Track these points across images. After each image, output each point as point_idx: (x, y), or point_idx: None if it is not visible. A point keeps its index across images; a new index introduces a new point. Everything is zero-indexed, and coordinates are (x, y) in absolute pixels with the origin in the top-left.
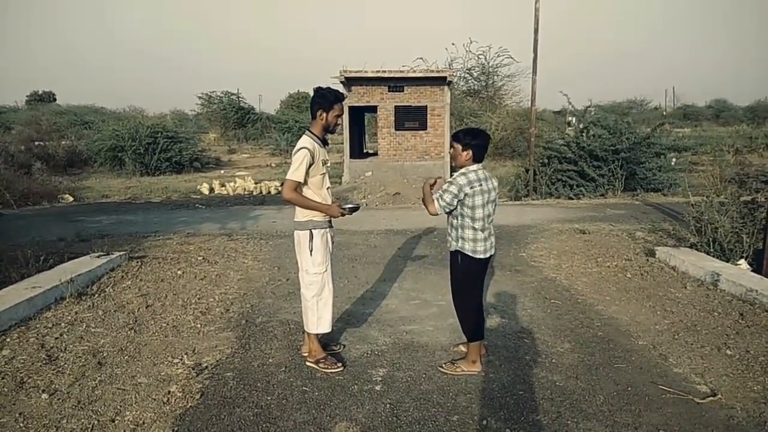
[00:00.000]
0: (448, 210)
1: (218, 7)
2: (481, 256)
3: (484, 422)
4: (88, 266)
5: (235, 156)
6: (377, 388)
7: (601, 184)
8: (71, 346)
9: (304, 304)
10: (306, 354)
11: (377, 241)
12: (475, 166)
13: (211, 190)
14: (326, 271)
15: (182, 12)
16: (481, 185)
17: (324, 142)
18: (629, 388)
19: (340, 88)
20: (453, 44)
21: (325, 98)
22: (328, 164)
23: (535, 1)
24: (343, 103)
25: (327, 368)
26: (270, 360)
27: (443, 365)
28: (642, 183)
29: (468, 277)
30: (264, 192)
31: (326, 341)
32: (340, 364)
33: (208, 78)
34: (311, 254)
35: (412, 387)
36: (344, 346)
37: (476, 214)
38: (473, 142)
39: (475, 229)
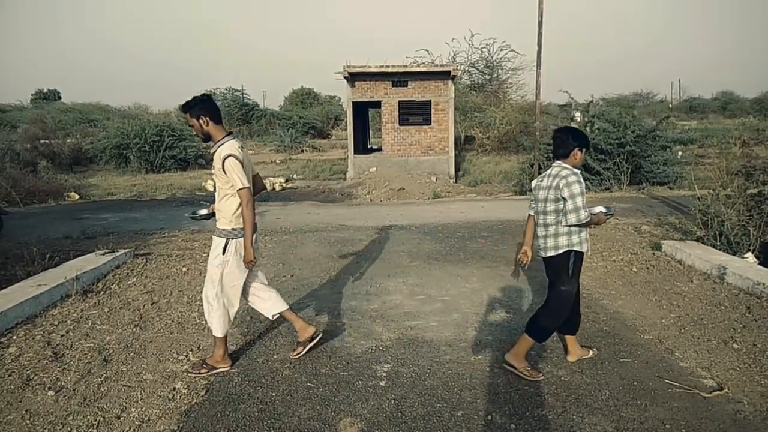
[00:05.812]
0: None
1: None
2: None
3: (489, 417)
4: (93, 264)
5: None
6: (382, 383)
7: (606, 178)
8: (77, 343)
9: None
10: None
11: (381, 237)
12: (556, 163)
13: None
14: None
15: (186, 6)
16: (540, 181)
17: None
18: (635, 383)
19: (344, 84)
20: (463, 35)
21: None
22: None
23: None
24: (349, 99)
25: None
26: (274, 356)
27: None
28: (647, 176)
29: None
30: (268, 189)
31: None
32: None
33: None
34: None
35: (417, 382)
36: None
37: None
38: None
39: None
